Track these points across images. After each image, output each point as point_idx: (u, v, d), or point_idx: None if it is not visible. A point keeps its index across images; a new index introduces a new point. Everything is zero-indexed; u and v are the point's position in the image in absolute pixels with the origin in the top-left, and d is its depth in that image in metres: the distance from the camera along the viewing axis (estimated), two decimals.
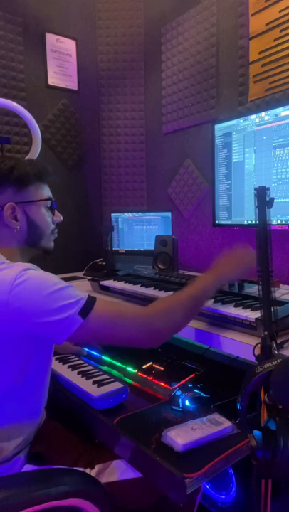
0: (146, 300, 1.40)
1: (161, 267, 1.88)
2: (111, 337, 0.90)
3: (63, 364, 1.18)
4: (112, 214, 2.38)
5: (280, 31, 1.65)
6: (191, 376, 1.13)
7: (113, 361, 1.23)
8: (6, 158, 1.00)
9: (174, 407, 0.97)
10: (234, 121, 1.73)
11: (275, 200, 0.85)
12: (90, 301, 0.87)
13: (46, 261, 1.08)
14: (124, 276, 1.73)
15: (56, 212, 1.06)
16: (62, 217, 1.07)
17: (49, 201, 1.02)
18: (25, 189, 0.97)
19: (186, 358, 1.25)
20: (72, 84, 2.48)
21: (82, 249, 2.48)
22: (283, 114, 1.53)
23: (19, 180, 0.96)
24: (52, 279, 0.86)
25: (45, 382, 0.98)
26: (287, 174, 1.54)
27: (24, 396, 0.90)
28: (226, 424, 0.83)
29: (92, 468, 0.94)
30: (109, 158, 2.60)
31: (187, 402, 1.00)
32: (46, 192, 1.02)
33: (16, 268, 0.84)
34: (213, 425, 0.83)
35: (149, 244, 2.16)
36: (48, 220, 1.02)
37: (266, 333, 0.78)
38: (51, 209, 1.03)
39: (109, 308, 0.90)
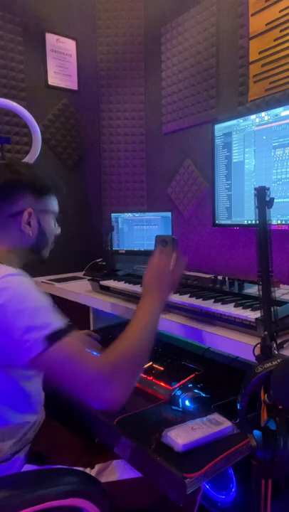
0: None
1: None
2: (68, 379, 0.79)
3: None
4: (112, 214, 2.38)
5: (280, 31, 1.65)
6: (191, 376, 1.13)
7: None
8: (29, 166, 1.05)
9: (174, 407, 0.97)
10: (234, 121, 1.73)
11: (275, 200, 0.85)
12: (63, 331, 0.79)
13: (47, 261, 1.09)
14: (124, 276, 1.73)
15: (57, 224, 1.10)
16: (60, 231, 1.11)
17: (58, 214, 1.08)
18: (43, 199, 1.02)
19: (186, 358, 1.25)
20: (72, 84, 2.48)
21: (82, 249, 2.48)
22: (283, 114, 1.53)
23: (40, 189, 1.00)
24: (31, 295, 0.81)
25: (38, 383, 0.98)
26: (287, 174, 1.54)
27: (16, 397, 0.90)
28: (226, 424, 0.83)
29: (92, 468, 0.95)
30: (109, 158, 2.60)
31: (187, 402, 1.00)
32: (57, 205, 1.08)
33: (2, 271, 0.83)
34: (213, 425, 0.83)
35: (149, 244, 2.17)
36: (54, 231, 1.07)
37: (266, 333, 0.78)
38: (57, 221, 1.09)
39: (79, 349, 0.81)
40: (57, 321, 0.80)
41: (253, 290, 1.27)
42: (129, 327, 0.90)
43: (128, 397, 0.80)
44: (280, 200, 1.55)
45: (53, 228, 1.07)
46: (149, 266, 1.07)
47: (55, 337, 0.77)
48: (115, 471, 0.95)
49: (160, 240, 1.94)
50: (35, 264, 1.06)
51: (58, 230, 1.10)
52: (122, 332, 0.89)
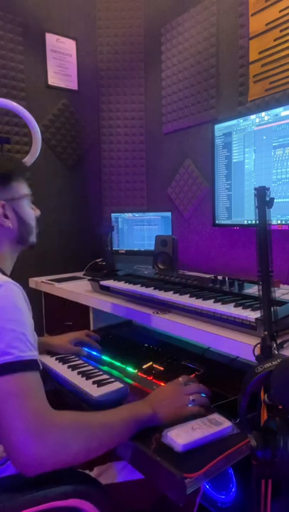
0: (146, 300, 1.40)
1: (161, 267, 1.88)
2: (2, 416, 0.69)
3: (63, 364, 1.18)
4: (112, 214, 2.38)
5: (280, 31, 1.65)
6: (192, 376, 1.13)
7: (113, 361, 1.23)
8: None
9: None
10: (234, 121, 1.73)
11: (275, 200, 0.85)
12: (19, 365, 0.71)
13: (47, 261, 1.08)
14: (124, 276, 1.73)
15: (33, 206, 1.05)
16: (39, 212, 1.05)
17: (30, 196, 1.02)
18: (9, 186, 0.96)
19: (186, 358, 1.25)
20: (72, 84, 2.49)
21: (82, 249, 2.49)
22: (283, 114, 1.53)
23: (4, 177, 0.95)
24: (8, 312, 0.75)
25: None
26: (287, 174, 1.54)
27: None
28: (226, 424, 0.83)
29: (91, 469, 0.94)
30: (109, 158, 2.60)
31: None
32: (26, 187, 1.01)
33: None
34: (214, 425, 0.82)
35: (149, 244, 2.17)
36: (33, 215, 1.02)
37: (266, 333, 0.78)
38: (31, 204, 1.03)
39: (27, 390, 0.71)
40: (20, 351, 0.72)
41: (253, 290, 1.27)
42: (106, 412, 0.81)
43: (48, 469, 0.69)
44: (280, 200, 1.55)
45: (31, 212, 1.01)
46: (169, 385, 0.96)
47: (5, 369, 0.70)
48: (115, 473, 0.95)
49: (160, 240, 1.95)
50: (41, 258, 1.03)
51: (37, 212, 1.04)
52: (98, 412, 0.82)
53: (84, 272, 2.28)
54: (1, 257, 0.95)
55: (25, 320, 0.77)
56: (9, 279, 0.82)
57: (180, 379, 0.96)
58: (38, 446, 0.67)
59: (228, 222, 1.82)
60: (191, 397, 0.90)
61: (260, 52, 1.75)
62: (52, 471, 0.70)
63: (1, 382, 0.70)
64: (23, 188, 0.99)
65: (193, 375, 1.14)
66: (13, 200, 0.96)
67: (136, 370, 1.17)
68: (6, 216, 0.94)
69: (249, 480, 1.05)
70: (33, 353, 0.75)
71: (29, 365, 0.73)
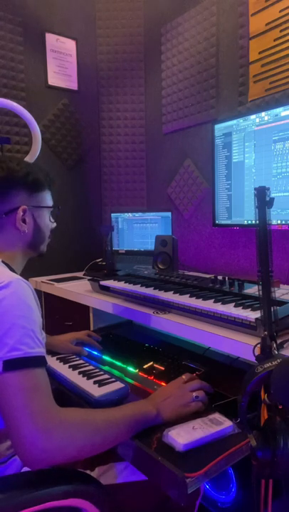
0: (146, 300, 1.40)
1: (161, 267, 1.88)
2: (9, 412, 0.70)
3: (64, 364, 1.18)
4: (112, 214, 2.38)
5: (280, 31, 1.65)
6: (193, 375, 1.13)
7: (114, 361, 1.23)
8: (20, 161, 1.01)
9: None
10: (234, 121, 1.74)
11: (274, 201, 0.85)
12: (28, 362, 0.73)
13: (47, 261, 1.09)
14: (124, 276, 1.73)
15: (52, 219, 1.09)
16: (55, 224, 1.10)
17: (53, 209, 1.06)
18: (36, 195, 1.00)
19: (186, 358, 1.25)
20: (72, 84, 2.49)
21: (82, 249, 2.49)
22: (283, 114, 1.53)
23: (33, 185, 0.99)
24: (19, 308, 0.77)
25: None
26: (287, 171, 1.54)
27: None
28: (227, 423, 0.83)
29: (92, 469, 0.94)
30: (109, 158, 2.60)
31: None
32: (51, 199, 1.06)
33: (10, 276, 0.81)
34: (214, 425, 0.83)
35: (150, 244, 2.17)
36: (49, 226, 1.06)
37: (266, 333, 0.78)
38: (52, 216, 1.07)
39: (35, 387, 0.72)
40: (28, 348, 0.74)
41: (253, 290, 1.28)
42: (111, 410, 0.83)
43: (53, 463, 0.71)
44: (279, 194, 1.55)
45: (49, 223, 1.06)
46: (172, 383, 0.97)
47: (14, 364, 0.72)
48: (115, 474, 0.95)
49: (160, 240, 1.95)
50: (42, 259, 1.06)
51: (53, 224, 1.08)
52: (103, 409, 0.83)
53: (84, 272, 2.28)
54: (14, 257, 0.98)
55: (34, 317, 0.79)
56: (20, 277, 0.84)
57: (183, 376, 0.97)
58: (45, 441, 0.68)
59: (228, 222, 1.82)
60: (194, 394, 0.91)
61: (260, 52, 1.75)
62: (55, 467, 0.71)
63: (10, 377, 0.71)
64: (47, 200, 1.04)
65: (194, 374, 1.14)
66: (36, 208, 1.00)
67: (137, 370, 1.17)
68: (24, 221, 0.97)
69: (249, 480, 1.06)
70: (40, 350, 0.77)
71: (37, 361, 0.75)
